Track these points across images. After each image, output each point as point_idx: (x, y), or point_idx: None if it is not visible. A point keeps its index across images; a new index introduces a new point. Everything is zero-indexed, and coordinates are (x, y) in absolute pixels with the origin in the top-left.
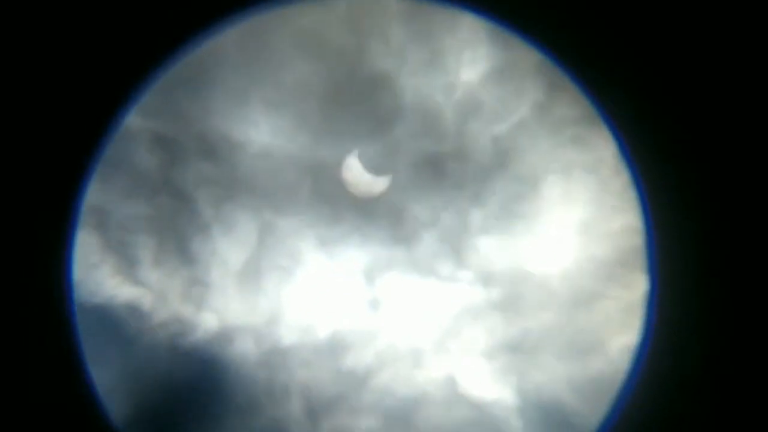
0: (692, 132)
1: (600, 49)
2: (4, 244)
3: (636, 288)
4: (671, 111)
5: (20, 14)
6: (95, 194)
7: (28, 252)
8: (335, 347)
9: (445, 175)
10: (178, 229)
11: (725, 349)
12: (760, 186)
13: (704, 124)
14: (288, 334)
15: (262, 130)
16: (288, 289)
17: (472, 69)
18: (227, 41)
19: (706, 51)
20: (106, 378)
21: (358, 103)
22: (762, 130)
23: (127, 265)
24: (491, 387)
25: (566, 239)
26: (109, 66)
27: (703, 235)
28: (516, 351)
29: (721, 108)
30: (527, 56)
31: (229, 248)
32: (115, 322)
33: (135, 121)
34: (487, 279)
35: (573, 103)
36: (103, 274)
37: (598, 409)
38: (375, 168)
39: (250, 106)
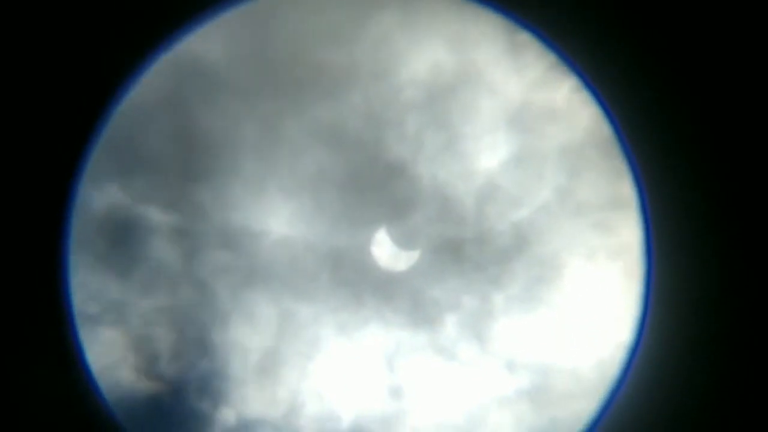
0: (697, 130)
1: (606, 44)
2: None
3: None
4: (674, 108)
5: None
6: (115, 289)
7: (21, 257)
8: None
9: (465, 259)
10: (197, 321)
11: (721, 346)
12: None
13: (708, 124)
14: (308, 425)
15: (280, 219)
16: (308, 377)
17: (492, 154)
18: (243, 131)
19: (713, 52)
20: None
21: (376, 190)
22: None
23: (146, 359)
24: None
25: (594, 325)
26: (92, 70)
27: (703, 233)
28: None
29: (727, 109)
30: (548, 141)
31: (248, 338)
32: (134, 419)
33: (154, 215)
34: (512, 365)
35: (596, 188)
36: (122, 370)
37: None
38: (396, 251)
39: (268, 195)
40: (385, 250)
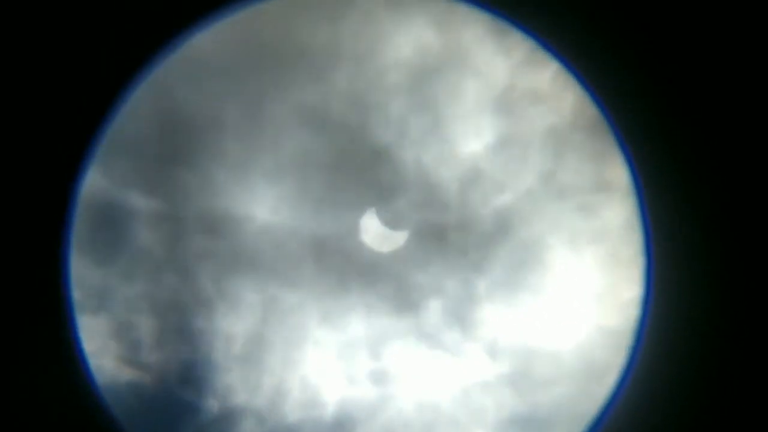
0: (700, 139)
1: (607, 50)
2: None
3: None
4: (676, 114)
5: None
6: (95, 276)
7: (23, 252)
8: (341, 422)
9: (449, 244)
10: (180, 308)
11: (720, 353)
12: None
13: (712, 130)
14: (292, 412)
15: (263, 204)
16: (293, 365)
17: (476, 138)
18: (226, 114)
19: (715, 57)
20: None
21: (360, 175)
22: None
23: (128, 347)
24: None
25: (575, 310)
26: (93, 71)
27: (703, 242)
28: (526, 425)
29: (729, 113)
30: (533, 124)
31: (231, 325)
32: (115, 407)
33: (135, 200)
34: (494, 350)
35: (580, 171)
36: (104, 358)
37: None
38: (380, 237)
39: (251, 180)
40: (370, 236)
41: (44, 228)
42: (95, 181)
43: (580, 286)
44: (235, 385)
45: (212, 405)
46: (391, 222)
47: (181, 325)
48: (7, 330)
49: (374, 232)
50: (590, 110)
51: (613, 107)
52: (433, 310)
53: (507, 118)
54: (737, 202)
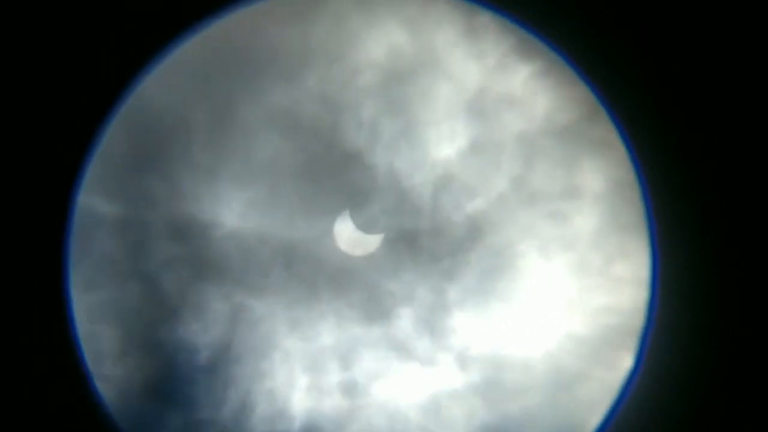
0: (702, 136)
1: (610, 47)
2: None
3: (619, 368)
4: (679, 110)
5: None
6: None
7: (23, 259)
8: None
9: (421, 250)
10: (144, 318)
11: (726, 352)
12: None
13: (714, 128)
14: (259, 424)
15: (232, 209)
16: (260, 376)
17: (449, 142)
18: (195, 116)
19: (718, 57)
20: None
21: (331, 179)
22: None
23: (90, 358)
24: None
25: (546, 317)
26: (90, 74)
27: (706, 238)
28: None
29: (730, 112)
30: (505, 129)
31: (197, 335)
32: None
33: (99, 205)
34: (465, 360)
35: (551, 177)
36: None
37: None
38: (352, 243)
39: (220, 184)
40: (341, 242)
41: (44, 235)
42: None
43: (551, 293)
44: (200, 398)
45: (176, 420)
46: (363, 227)
47: (146, 336)
48: (7, 334)
49: (346, 237)
50: (564, 115)
51: (615, 100)
52: (404, 318)
53: (479, 123)
54: (740, 196)
